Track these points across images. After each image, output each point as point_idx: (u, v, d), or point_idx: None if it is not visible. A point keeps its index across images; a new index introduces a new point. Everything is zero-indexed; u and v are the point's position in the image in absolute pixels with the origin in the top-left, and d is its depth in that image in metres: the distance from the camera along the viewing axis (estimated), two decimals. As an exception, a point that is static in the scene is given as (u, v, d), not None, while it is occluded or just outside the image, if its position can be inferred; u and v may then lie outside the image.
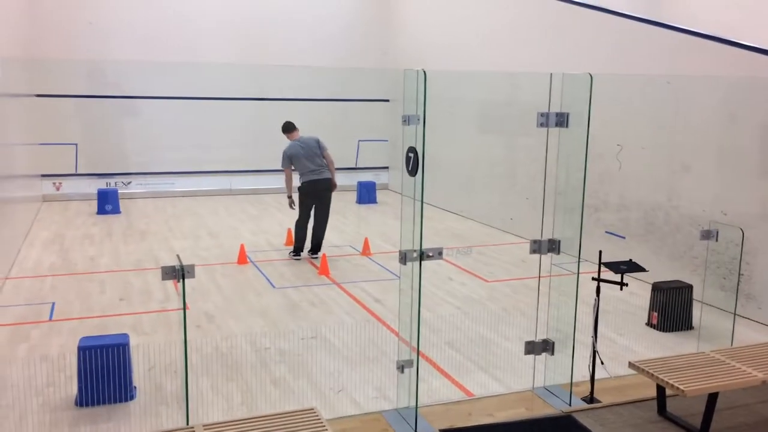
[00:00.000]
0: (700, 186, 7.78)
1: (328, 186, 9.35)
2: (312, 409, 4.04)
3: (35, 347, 6.06)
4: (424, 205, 4.61)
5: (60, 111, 13.43)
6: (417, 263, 4.60)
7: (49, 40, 13.16)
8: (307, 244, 9.48)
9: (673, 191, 8.11)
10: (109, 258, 9.29)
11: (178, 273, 4.04)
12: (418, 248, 4.56)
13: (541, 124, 5.05)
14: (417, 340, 4.68)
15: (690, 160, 7.90)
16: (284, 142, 9.38)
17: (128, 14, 13.76)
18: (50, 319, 6.81)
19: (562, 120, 5.05)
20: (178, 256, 4.18)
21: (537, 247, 5.13)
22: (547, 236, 5.18)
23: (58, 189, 13.70)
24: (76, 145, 13.67)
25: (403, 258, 4.63)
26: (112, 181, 13.97)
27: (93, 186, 13.46)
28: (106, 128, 13.85)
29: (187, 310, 7.07)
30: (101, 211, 12.40)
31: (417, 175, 4.56)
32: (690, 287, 6.91)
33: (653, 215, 8.42)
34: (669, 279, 7.33)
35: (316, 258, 9.21)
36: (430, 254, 4.67)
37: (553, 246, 5.12)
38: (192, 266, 4.10)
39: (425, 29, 14.17)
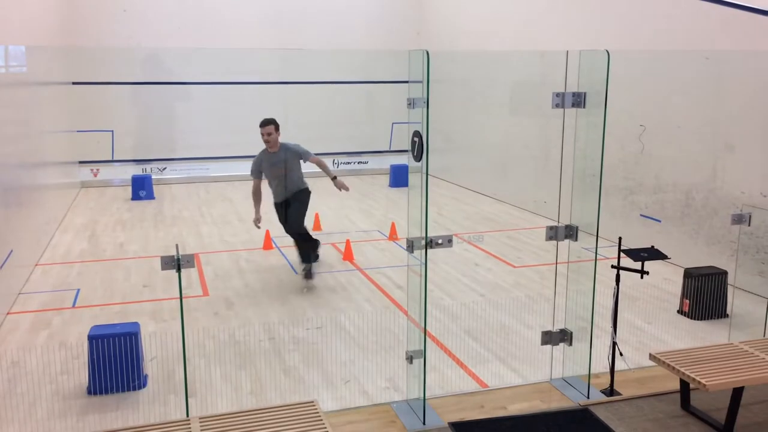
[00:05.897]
0: (745, 167, 7.35)
1: None
2: (312, 402, 3.94)
3: (55, 334, 6.12)
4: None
5: (96, 98, 13.61)
6: (424, 251, 4.44)
7: (85, 29, 13.35)
8: None
9: (714, 172, 7.71)
10: (137, 244, 9.37)
11: (176, 263, 3.98)
12: (425, 236, 4.41)
13: (557, 105, 4.80)
14: (424, 329, 4.54)
15: (734, 139, 7.48)
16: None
17: (161, 1, 13.85)
18: (73, 306, 6.89)
19: (579, 100, 4.80)
20: (176, 246, 4.11)
21: (553, 233, 4.91)
22: (573, 221, 4.94)
23: (95, 175, 13.94)
24: (112, 131, 13.85)
25: (411, 246, 4.48)
26: (147, 167, 14.14)
27: (129, 172, 13.65)
28: (141, 114, 14.02)
29: (206, 297, 7.15)
30: (135, 197, 12.55)
31: (422, 160, 4.39)
32: (724, 273, 6.57)
33: (690, 198, 8.04)
34: (705, 264, 7.00)
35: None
36: (439, 242, 4.51)
37: (570, 232, 4.90)
38: (191, 256, 4.03)
39: (458, 9, 13.83)
